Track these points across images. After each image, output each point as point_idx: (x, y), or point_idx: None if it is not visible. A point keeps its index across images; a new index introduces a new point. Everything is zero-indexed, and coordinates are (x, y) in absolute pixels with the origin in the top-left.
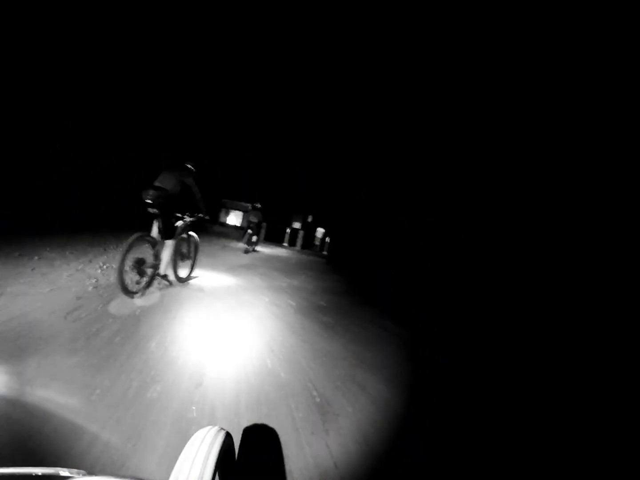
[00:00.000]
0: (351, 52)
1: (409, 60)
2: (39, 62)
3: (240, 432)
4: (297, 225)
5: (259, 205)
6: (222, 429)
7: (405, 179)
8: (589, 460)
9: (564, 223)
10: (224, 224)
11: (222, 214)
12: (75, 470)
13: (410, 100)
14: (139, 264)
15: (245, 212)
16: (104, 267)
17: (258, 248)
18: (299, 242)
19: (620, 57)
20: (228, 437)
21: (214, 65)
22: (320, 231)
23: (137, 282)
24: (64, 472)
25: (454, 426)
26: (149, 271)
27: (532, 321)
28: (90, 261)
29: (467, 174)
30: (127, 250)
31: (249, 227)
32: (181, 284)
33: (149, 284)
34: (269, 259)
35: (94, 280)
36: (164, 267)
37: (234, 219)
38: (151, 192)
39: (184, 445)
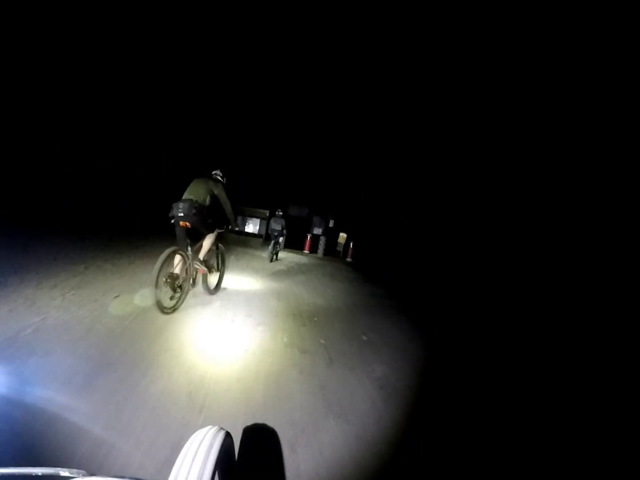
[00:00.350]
0: (354, 55)
1: (409, 62)
2: (40, 63)
3: (240, 432)
4: (318, 231)
5: (281, 213)
6: (221, 428)
7: (405, 179)
8: (588, 459)
9: (562, 222)
10: (242, 232)
11: (239, 222)
12: (76, 470)
13: (412, 102)
14: (173, 279)
15: (262, 219)
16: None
17: (281, 255)
18: (321, 248)
19: (619, 57)
20: (228, 436)
21: (215, 65)
22: (342, 236)
23: (171, 298)
24: (64, 472)
25: (454, 425)
26: (184, 286)
27: (531, 319)
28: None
29: (467, 174)
30: (161, 266)
31: (273, 235)
32: (210, 295)
33: (182, 299)
34: (292, 268)
35: None
36: (197, 280)
37: (251, 226)
38: (182, 205)
39: (183, 445)
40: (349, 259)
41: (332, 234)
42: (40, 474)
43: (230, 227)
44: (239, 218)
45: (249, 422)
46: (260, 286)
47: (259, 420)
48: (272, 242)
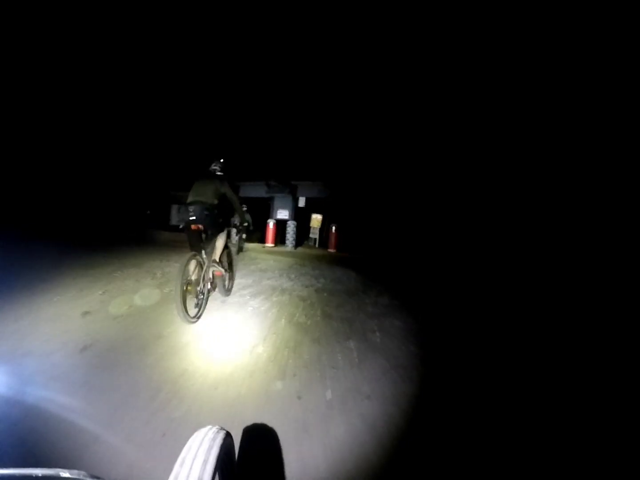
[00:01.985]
0: (347, 53)
1: (395, 62)
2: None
3: (240, 432)
4: (283, 214)
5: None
6: (222, 428)
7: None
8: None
9: (554, 218)
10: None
11: (174, 213)
12: (76, 471)
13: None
14: (195, 286)
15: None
16: None
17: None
18: (291, 238)
19: (619, 57)
20: (228, 436)
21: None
22: (316, 218)
23: (195, 305)
24: (64, 473)
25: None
26: (205, 292)
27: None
28: None
29: (450, 169)
30: (183, 274)
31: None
32: (226, 296)
33: (204, 306)
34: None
35: None
36: (216, 283)
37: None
38: (192, 208)
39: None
40: (331, 250)
41: (304, 216)
42: (40, 474)
43: (249, 225)
44: (174, 207)
45: (249, 422)
46: None
47: None
48: (237, 235)
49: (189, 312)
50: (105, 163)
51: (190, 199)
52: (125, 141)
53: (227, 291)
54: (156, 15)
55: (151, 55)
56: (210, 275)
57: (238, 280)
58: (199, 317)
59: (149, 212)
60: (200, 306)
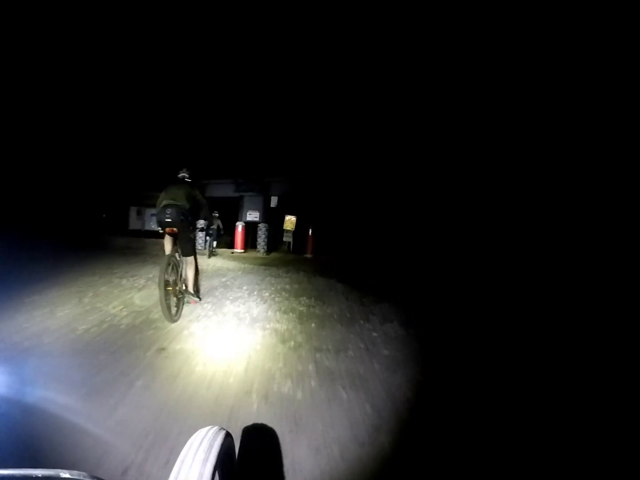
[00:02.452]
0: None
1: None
2: None
3: (240, 432)
4: (253, 216)
5: (217, 214)
6: (222, 428)
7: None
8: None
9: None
10: (143, 232)
11: (133, 217)
12: (77, 472)
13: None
14: (174, 286)
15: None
16: None
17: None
18: (262, 242)
19: (619, 57)
20: (228, 436)
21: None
22: (290, 220)
23: (175, 305)
24: (64, 473)
25: None
26: (182, 292)
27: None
28: None
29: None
30: (164, 275)
31: (207, 233)
32: (194, 296)
33: (182, 306)
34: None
35: None
36: (191, 284)
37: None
38: (169, 211)
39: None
40: (308, 255)
41: (277, 218)
42: (40, 475)
43: (221, 226)
44: (134, 210)
45: (250, 421)
46: None
47: None
48: (208, 239)
49: (172, 312)
50: (59, 163)
51: (165, 202)
52: (79, 140)
53: (197, 292)
54: (121, 12)
55: (110, 48)
56: (185, 276)
57: (191, 307)
58: (179, 317)
59: (104, 215)
60: (179, 307)
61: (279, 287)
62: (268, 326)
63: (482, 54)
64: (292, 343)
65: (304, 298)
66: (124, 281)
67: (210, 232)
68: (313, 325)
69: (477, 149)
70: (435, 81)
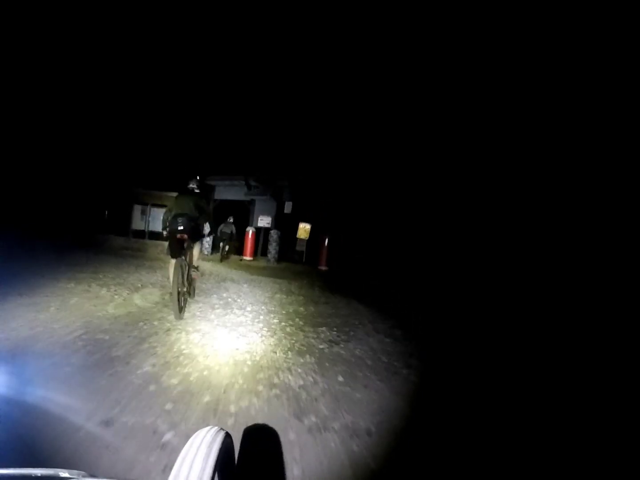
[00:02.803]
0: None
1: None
2: None
3: (241, 433)
4: (265, 221)
5: (231, 220)
6: (221, 429)
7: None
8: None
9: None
10: (147, 233)
11: (137, 216)
12: (76, 471)
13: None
14: (182, 287)
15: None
16: None
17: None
18: (273, 250)
19: (619, 57)
20: (228, 437)
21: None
22: (304, 228)
23: (180, 303)
24: (64, 473)
25: None
26: (187, 293)
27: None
28: None
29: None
30: (178, 277)
31: (222, 239)
32: (192, 298)
33: (185, 305)
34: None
35: None
36: (194, 285)
37: (158, 223)
38: (180, 219)
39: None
40: (322, 267)
41: (290, 225)
42: (39, 474)
43: (214, 233)
44: (138, 208)
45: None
46: None
47: None
48: (221, 244)
49: (181, 312)
50: (62, 159)
51: (176, 211)
52: (82, 136)
53: (193, 294)
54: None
55: (111, 46)
56: (191, 279)
57: (174, 338)
58: (182, 314)
59: (106, 213)
60: (184, 306)
61: (291, 309)
62: (276, 380)
63: (482, 54)
64: (313, 419)
65: (324, 329)
66: (103, 291)
67: (224, 237)
68: (340, 379)
69: (483, 148)
70: (440, 84)
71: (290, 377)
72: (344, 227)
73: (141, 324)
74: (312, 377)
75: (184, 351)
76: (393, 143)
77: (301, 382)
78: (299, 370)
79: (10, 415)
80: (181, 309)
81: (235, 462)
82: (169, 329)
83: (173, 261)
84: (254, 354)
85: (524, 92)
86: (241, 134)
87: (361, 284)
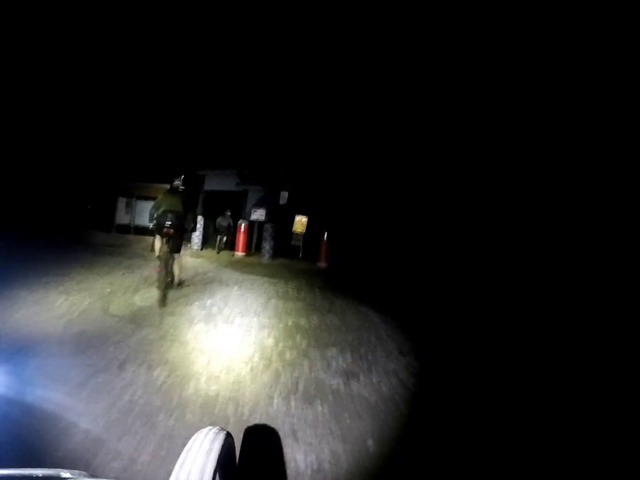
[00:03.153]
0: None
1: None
2: None
3: (241, 433)
4: (258, 214)
5: (229, 213)
6: (222, 429)
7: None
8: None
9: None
10: (132, 227)
11: (121, 209)
12: (77, 471)
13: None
14: (167, 277)
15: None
16: None
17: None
18: (268, 245)
19: (619, 57)
20: (228, 437)
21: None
22: (300, 221)
23: (165, 293)
24: (64, 473)
25: None
26: (173, 282)
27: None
28: None
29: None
30: (165, 268)
31: (219, 232)
32: (178, 287)
33: (168, 295)
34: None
35: None
36: (177, 276)
37: (146, 217)
38: (170, 216)
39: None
40: (321, 264)
41: (286, 218)
42: (40, 475)
43: (195, 229)
44: (122, 201)
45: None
46: None
47: None
48: (218, 237)
49: (165, 301)
50: (40, 148)
51: (165, 207)
52: (64, 124)
53: (178, 284)
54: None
55: (96, 36)
56: (173, 269)
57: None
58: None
59: (89, 206)
60: (167, 294)
61: (289, 322)
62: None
63: (482, 54)
64: None
65: (334, 351)
66: (60, 300)
67: (222, 230)
68: (370, 443)
69: (483, 148)
70: (440, 84)
71: (296, 447)
72: (343, 225)
73: (90, 352)
74: (331, 448)
75: (136, 408)
76: (393, 143)
77: (313, 457)
78: (308, 432)
79: None
80: (166, 297)
81: (237, 461)
82: (123, 363)
83: (163, 253)
84: (241, 404)
85: (524, 92)
86: (234, 122)
87: (363, 284)
